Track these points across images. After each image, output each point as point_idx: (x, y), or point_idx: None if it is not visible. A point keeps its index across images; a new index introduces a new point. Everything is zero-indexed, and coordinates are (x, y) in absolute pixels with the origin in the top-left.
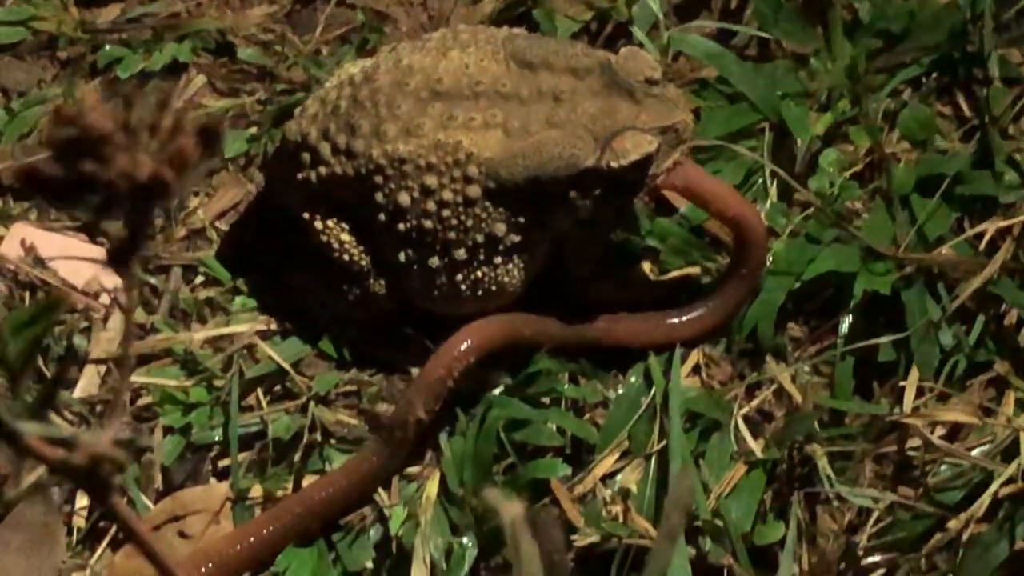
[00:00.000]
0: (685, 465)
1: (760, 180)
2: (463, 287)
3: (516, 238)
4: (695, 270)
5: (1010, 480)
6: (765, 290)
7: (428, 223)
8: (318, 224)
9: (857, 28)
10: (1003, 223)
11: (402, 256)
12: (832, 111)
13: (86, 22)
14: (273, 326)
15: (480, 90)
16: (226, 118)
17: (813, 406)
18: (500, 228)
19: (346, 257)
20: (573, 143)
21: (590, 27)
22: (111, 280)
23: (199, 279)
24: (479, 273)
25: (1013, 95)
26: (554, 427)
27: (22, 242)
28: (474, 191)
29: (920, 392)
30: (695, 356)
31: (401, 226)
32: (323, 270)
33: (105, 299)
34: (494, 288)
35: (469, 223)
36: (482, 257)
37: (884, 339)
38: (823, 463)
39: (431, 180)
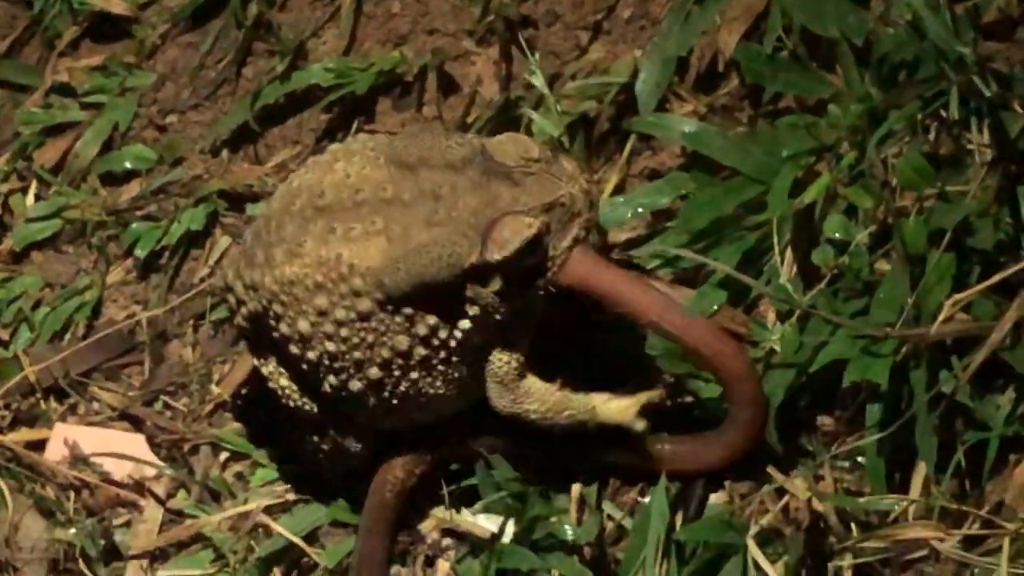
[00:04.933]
0: None
1: (771, 259)
2: (395, 403)
3: (423, 350)
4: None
5: None
6: (767, 389)
7: (332, 346)
8: (264, 370)
9: (866, 65)
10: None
11: (327, 386)
12: (834, 170)
13: (110, 203)
14: (291, 496)
15: (361, 199)
16: None
17: (836, 512)
18: (402, 341)
19: (291, 404)
20: (453, 242)
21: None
22: (151, 470)
23: (225, 455)
24: (402, 387)
25: None
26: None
27: (64, 441)
28: (365, 305)
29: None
30: None
31: (311, 354)
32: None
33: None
34: (424, 400)
35: (370, 339)
36: (397, 372)
37: (869, 436)
38: None
39: (322, 300)
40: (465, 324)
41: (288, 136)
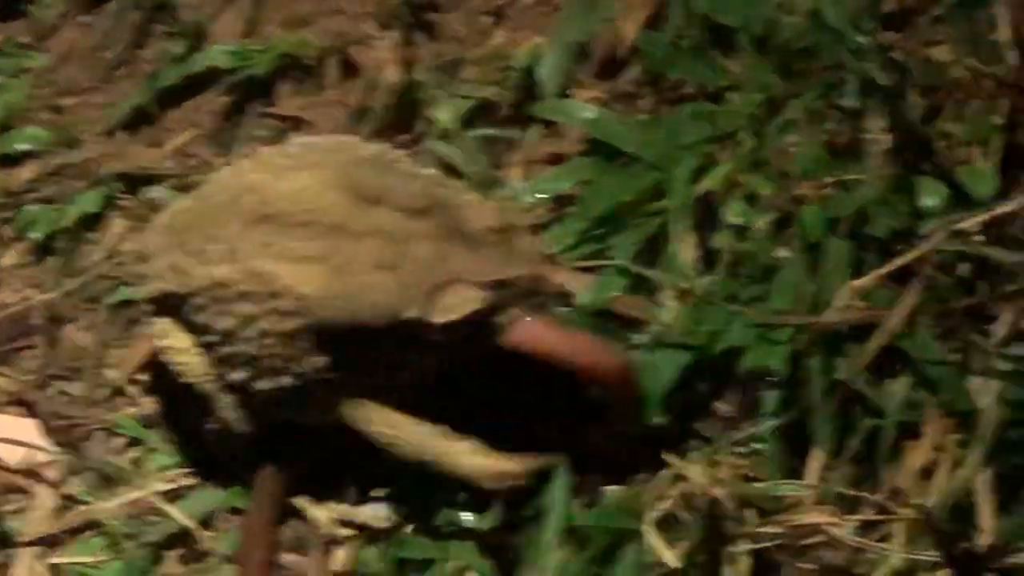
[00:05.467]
0: None
1: (666, 247)
2: (299, 408)
3: (339, 373)
4: None
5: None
6: (655, 366)
7: (250, 349)
8: (161, 343)
9: (766, 53)
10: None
11: (235, 376)
12: (735, 158)
13: (4, 185)
14: (187, 482)
15: (307, 218)
16: None
17: (733, 498)
18: (320, 362)
19: (185, 380)
20: (396, 291)
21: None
22: (44, 455)
23: (120, 440)
24: (312, 396)
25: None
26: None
27: None
28: (291, 325)
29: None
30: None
31: (227, 349)
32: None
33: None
34: (328, 406)
35: (289, 353)
36: (310, 385)
37: (765, 423)
38: (730, 570)
39: (249, 308)
40: (386, 360)
41: (186, 119)
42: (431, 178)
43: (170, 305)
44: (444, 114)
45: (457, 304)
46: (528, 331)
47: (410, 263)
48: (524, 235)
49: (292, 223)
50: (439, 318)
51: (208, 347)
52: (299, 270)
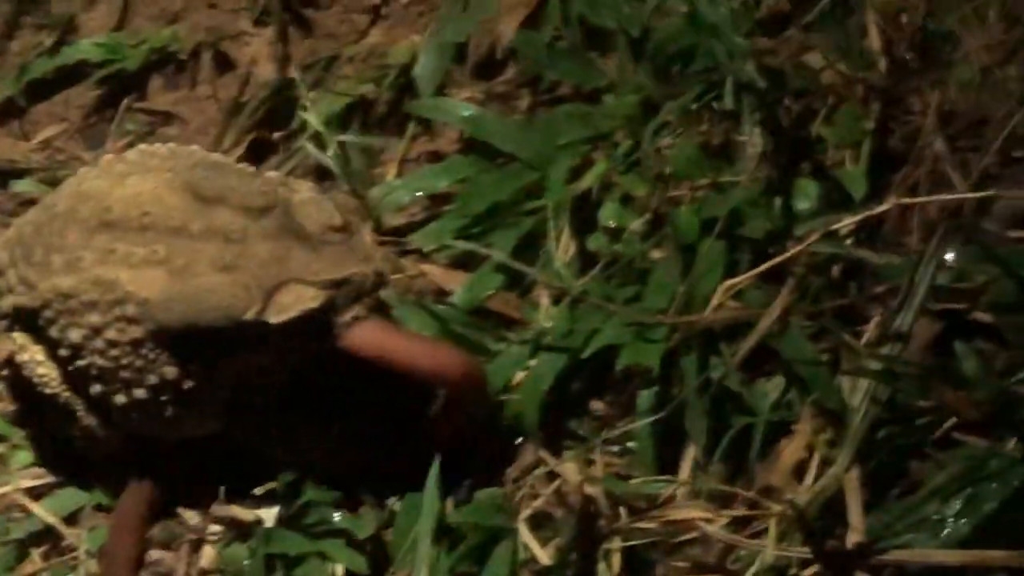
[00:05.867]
0: None
1: (544, 245)
2: (157, 422)
3: (191, 383)
4: None
5: (807, 563)
6: (535, 372)
7: (101, 361)
8: (20, 357)
9: (642, 55)
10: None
11: (92, 390)
12: (610, 158)
13: None
14: (51, 479)
15: (147, 222)
16: None
17: (607, 496)
18: (171, 372)
19: (46, 391)
20: (234, 293)
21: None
22: None
23: None
24: (167, 411)
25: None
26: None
27: None
28: (137, 332)
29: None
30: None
31: (80, 362)
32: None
33: None
34: (186, 423)
35: (139, 363)
36: (164, 398)
37: (640, 420)
38: (603, 566)
39: (95, 318)
40: (232, 369)
41: (55, 113)
42: (271, 179)
43: (24, 319)
44: (316, 116)
45: (294, 303)
46: (367, 335)
47: (249, 263)
48: (363, 234)
49: (132, 228)
50: (276, 317)
51: (62, 361)
52: (140, 275)
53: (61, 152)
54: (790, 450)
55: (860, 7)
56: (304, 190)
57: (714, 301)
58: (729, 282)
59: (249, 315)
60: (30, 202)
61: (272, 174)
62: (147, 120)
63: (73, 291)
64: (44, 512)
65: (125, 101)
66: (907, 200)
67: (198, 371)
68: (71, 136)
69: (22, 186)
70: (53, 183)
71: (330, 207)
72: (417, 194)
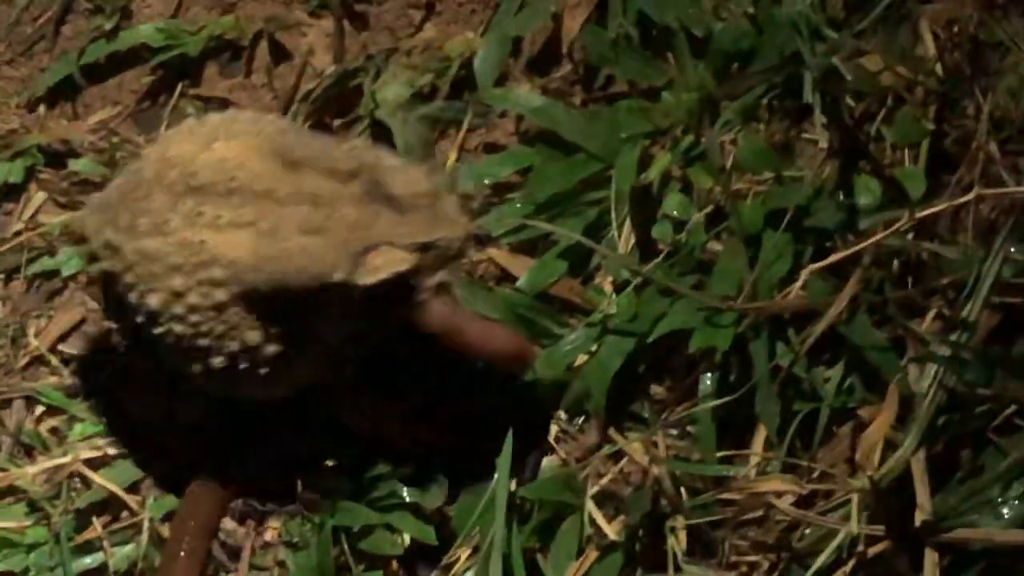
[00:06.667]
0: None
1: (609, 233)
2: (232, 388)
3: (272, 348)
4: None
5: (875, 539)
6: (600, 355)
7: (179, 328)
8: (110, 323)
9: (705, 53)
10: (839, 255)
11: (168, 361)
12: (673, 152)
13: None
14: (111, 451)
15: (234, 186)
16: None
17: (671, 476)
18: (254, 337)
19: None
20: (324, 254)
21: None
22: None
23: (40, 409)
24: (243, 377)
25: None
26: (395, 533)
27: None
28: (221, 295)
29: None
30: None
31: (156, 330)
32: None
33: None
34: (263, 387)
35: (220, 329)
36: (242, 366)
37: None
38: (672, 541)
39: (177, 281)
40: (319, 332)
41: (108, 96)
42: (357, 144)
43: (110, 285)
44: (389, 94)
45: (384, 265)
46: (437, 311)
47: (338, 226)
48: (449, 200)
49: (219, 192)
50: (365, 279)
51: (141, 329)
52: (227, 237)
53: (114, 135)
54: (869, 431)
55: (912, 16)
56: (390, 157)
57: (794, 286)
58: (812, 266)
59: (337, 276)
60: (84, 182)
61: (357, 141)
62: (202, 106)
63: (158, 253)
64: (105, 481)
65: (180, 86)
66: (989, 192)
67: (281, 336)
68: (123, 120)
69: (77, 166)
70: (106, 164)
71: (417, 173)
72: (482, 181)
